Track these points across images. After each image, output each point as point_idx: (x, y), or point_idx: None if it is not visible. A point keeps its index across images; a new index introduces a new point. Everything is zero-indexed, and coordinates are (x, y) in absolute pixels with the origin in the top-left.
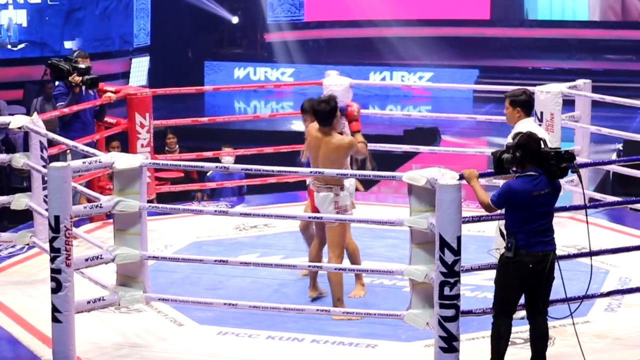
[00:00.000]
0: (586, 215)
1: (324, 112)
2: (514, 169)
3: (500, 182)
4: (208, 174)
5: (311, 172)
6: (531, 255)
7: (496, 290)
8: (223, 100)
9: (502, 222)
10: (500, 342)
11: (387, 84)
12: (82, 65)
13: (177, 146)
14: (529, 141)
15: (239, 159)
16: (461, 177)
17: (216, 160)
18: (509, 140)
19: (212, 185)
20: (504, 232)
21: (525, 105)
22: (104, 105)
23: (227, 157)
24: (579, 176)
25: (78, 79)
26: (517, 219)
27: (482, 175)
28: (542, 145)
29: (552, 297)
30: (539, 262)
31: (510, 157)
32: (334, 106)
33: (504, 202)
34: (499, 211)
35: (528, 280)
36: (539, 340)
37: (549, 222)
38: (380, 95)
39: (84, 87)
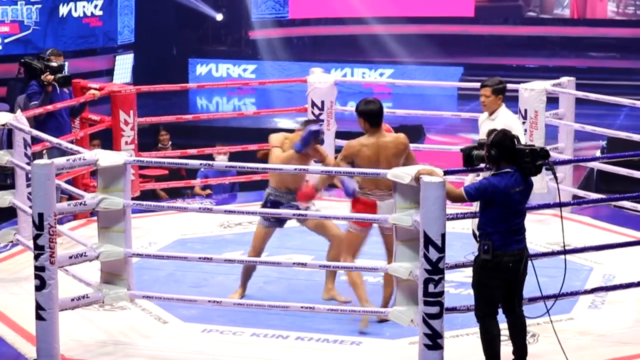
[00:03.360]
0: (561, 213)
1: (377, 111)
2: (488, 166)
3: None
4: (202, 169)
5: (295, 169)
6: (509, 255)
7: (477, 293)
8: (186, 98)
9: (475, 223)
10: (495, 342)
11: (371, 81)
12: (55, 64)
13: (170, 143)
14: (504, 139)
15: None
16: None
17: (209, 158)
18: (482, 136)
19: (197, 182)
20: (477, 233)
21: (504, 92)
22: (83, 103)
23: (221, 156)
24: (554, 173)
25: (50, 77)
26: (494, 218)
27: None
28: (517, 143)
29: (534, 294)
30: (517, 260)
31: (483, 153)
32: (381, 105)
33: (481, 196)
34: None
35: (507, 278)
36: (520, 334)
37: (522, 220)
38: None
39: (57, 86)
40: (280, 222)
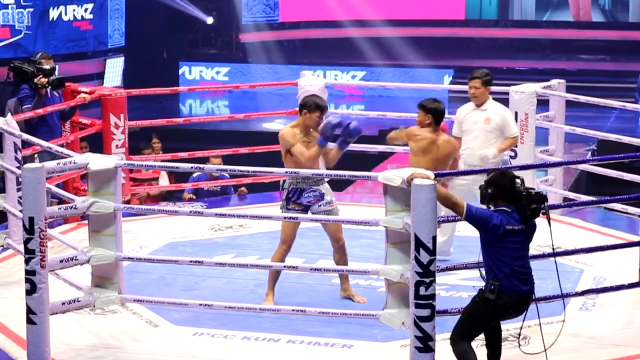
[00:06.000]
0: (549, 220)
1: (442, 111)
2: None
3: None
4: (194, 175)
5: (286, 172)
6: (513, 301)
7: (467, 320)
8: (177, 102)
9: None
10: None
11: (363, 84)
12: (47, 66)
13: (161, 152)
14: (501, 178)
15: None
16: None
17: (200, 161)
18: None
19: (187, 186)
20: (483, 274)
21: (492, 83)
22: (74, 106)
23: (217, 161)
24: (548, 219)
25: (44, 80)
26: (493, 257)
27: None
28: (518, 183)
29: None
30: (519, 308)
31: (483, 192)
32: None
33: (478, 219)
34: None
35: (502, 318)
36: (497, 354)
37: (526, 262)
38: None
39: (49, 89)
40: (304, 209)
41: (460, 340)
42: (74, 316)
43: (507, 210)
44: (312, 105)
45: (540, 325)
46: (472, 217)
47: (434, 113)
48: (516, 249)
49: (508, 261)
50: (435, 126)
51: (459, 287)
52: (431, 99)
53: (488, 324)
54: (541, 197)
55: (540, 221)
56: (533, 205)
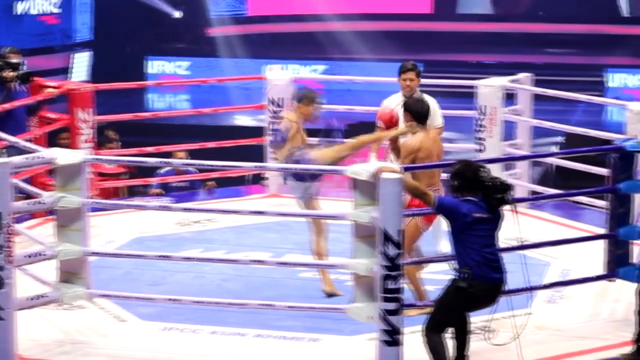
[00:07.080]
0: (517, 222)
1: (427, 111)
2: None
3: None
4: (162, 170)
5: (256, 166)
6: (484, 289)
7: (439, 311)
8: (144, 96)
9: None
10: (445, 353)
11: (331, 78)
12: (15, 60)
13: (120, 144)
14: (465, 170)
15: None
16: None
17: (167, 156)
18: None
19: (154, 180)
20: (454, 266)
21: None
22: (41, 101)
23: (181, 156)
24: (515, 208)
25: (12, 74)
26: (463, 245)
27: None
28: (481, 174)
29: None
30: (491, 297)
31: (449, 183)
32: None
33: (445, 209)
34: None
35: (475, 308)
36: (465, 349)
37: (495, 250)
38: None
39: (16, 83)
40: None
41: (432, 331)
42: (40, 311)
43: (474, 200)
44: (302, 98)
45: (513, 316)
46: (442, 206)
47: (415, 114)
48: (485, 237)
49: (478, 248)
50: (422, 124)
51: (426, 280)
52: (413, 99)
53: (460, 313)
54: (506, 187)
55: (508, 213)
56: (498, 194)
